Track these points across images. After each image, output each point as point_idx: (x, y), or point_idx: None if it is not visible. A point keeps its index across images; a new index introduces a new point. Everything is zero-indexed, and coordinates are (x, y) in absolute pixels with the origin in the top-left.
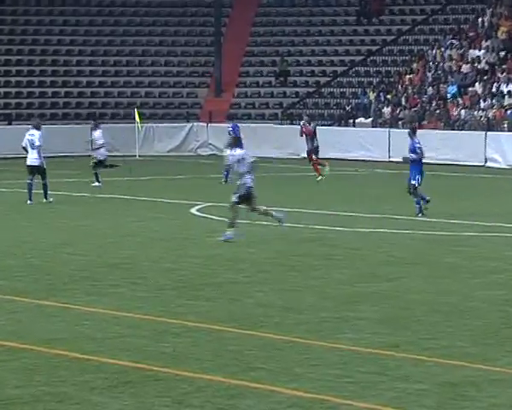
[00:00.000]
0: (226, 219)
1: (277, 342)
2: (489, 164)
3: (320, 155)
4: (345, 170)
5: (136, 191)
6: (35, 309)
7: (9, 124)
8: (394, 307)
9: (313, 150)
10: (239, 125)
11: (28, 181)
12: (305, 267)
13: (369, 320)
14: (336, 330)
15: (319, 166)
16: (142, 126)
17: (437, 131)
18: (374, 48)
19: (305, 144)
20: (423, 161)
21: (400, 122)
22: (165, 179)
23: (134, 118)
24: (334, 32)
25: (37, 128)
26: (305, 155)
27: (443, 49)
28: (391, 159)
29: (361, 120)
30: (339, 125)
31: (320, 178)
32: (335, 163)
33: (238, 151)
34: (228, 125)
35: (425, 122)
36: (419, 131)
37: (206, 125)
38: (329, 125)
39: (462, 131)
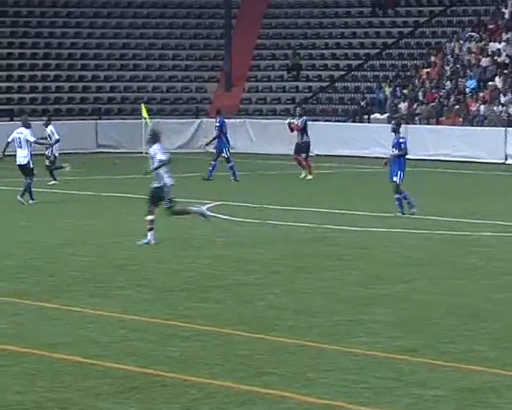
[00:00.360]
0: (234, 218)
1: (289, 346)
2: (509, 161)
3: (334, 153)
4: (361, 167)
5: (142, 189)
6: (37, 312)
7: (11, 120)
8: (409, 310)
9: (302, 145)
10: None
11: (28, 181)
12: (316, 268)
13: (383, 323)
14: (350, 333)
15: (305, 165)
16: (150, 121)
17: (455, 127)
18: (390, 40)
19: (315, 141)
20: (407, 157)
21: (418, 118)
22: (173, 177)
23: (141, 113)
24: (348, 24)
25: (26, 126)
26: (317, 153)
27: (462, 41)
28: (407, 156)
29: (376, 115)
30: (353, 121)
31: (304, 175)
32: (350, 160)
33: (153, 148)
34: (215, 121)
35: (443, 118)
36: (437, 127)
37: (215, 121)
38: (344, 121)
39: (482, 127)
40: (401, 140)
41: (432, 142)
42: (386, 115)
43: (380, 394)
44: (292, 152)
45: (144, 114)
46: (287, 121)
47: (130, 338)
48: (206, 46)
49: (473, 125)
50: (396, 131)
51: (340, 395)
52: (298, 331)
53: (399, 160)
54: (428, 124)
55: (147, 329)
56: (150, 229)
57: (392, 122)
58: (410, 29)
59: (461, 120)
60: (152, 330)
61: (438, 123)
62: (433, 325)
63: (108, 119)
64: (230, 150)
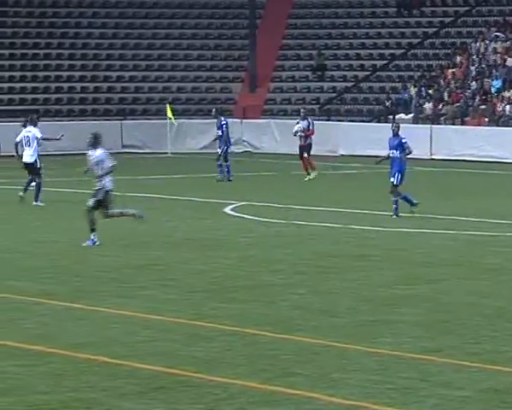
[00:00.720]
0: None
1: (314, 347)
2: None
3: (359, 153)
4: (386, 168)
5: (168, 190)
6: (62, 312)
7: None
8: (435, 310)
9: (305, 147)
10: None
11: (37, 181)
12: (342, 269)
13: (409, 324)
14: (375, 333)
15: (308, 166)
16: (175, 121)
17: (481, 127)
18: (415, 40)
19: (340, 141)
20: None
21: (443, 118)
22: (198, 177)
23: (166, 114)
24: (373, 24)
25: (35, 124)
26: (342, 153)
27: (487, 41)
28: (432, 156)
29: (401, 115)
30: (378, 122)
31: (308, 178)
32: (375, 160)
33: (98, 151)
34: (222, 121)
35: (468, 118)
36: (462, 128)
37: (240, 121)
38: (368, 121)
39: (508, 128)
40: (403, 140)
41: (457, 142)
42: (411, 115)
43: (405, 394)
44: (315, 153)
45: (169, 114)
46: (294, 131)
47: (156, 338)
48: (231, 46)
49: (498, 126)
50: (397, 133)
51: (366, 396)
52: (323, 332)
53: (400, 161)
54: (453, 124)
55: (172, 329)
56: (132, 215)
57: (393, 125)
58: (435, 29)
59: (486, 120)
60: (177, 331)
61: (463, 123)
62: (459, 325)
63: (133, 119)
64: (228, 151)
